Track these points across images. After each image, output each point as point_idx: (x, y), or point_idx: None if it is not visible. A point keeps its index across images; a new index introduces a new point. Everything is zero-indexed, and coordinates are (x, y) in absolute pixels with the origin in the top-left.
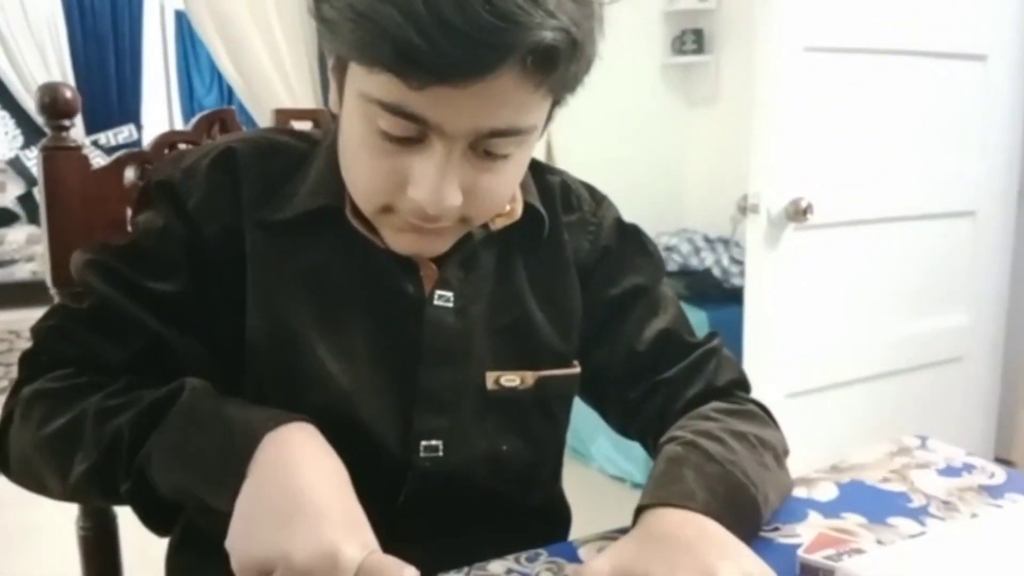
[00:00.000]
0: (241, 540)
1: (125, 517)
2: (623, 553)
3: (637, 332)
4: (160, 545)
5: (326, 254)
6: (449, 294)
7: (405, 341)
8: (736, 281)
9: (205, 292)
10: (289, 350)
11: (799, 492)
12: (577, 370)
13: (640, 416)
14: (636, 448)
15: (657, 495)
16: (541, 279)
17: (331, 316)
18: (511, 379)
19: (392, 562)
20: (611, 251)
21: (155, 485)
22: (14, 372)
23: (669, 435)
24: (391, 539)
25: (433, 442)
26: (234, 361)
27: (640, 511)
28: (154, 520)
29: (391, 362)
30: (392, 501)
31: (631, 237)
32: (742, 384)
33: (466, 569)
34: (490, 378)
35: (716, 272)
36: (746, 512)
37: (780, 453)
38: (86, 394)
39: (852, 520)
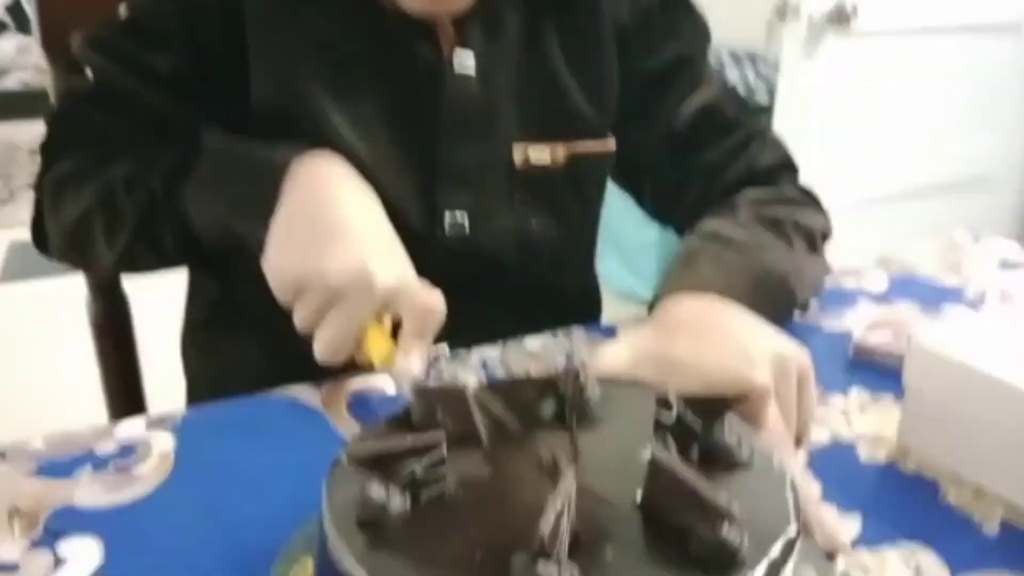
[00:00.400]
0: (277, 260)
1: (136, 297)
2: (642, 339)
3: (675, 108)
4: (172, 329)
5: (334, 15)
6: (470, 60)
7: (425, 112)
8: (760, 98)
9: (207, 60)
10: (299, 119)
11: (848, 281)
12: (612, 145)
13: (678, 203)
14: (644, 265)
15: (671, 286)
16: (574, 45)
17: (343, 82)
18: (541, 155)
19: (425, 288)
20: (652, 14)
21: (198, 233)
22: (13, 183)
23: (691, 230)
24: None
25: (458, 219)
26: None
27: (654, 305)
28: (208, 266)
29: (411, 134)
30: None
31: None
32: (787, 166)
33: (501, 343)
34: (518, 153)
35: (741, 90)
36: (773, 296)
37: (817, 236)
38: (105, 169)
39: (905, 308)
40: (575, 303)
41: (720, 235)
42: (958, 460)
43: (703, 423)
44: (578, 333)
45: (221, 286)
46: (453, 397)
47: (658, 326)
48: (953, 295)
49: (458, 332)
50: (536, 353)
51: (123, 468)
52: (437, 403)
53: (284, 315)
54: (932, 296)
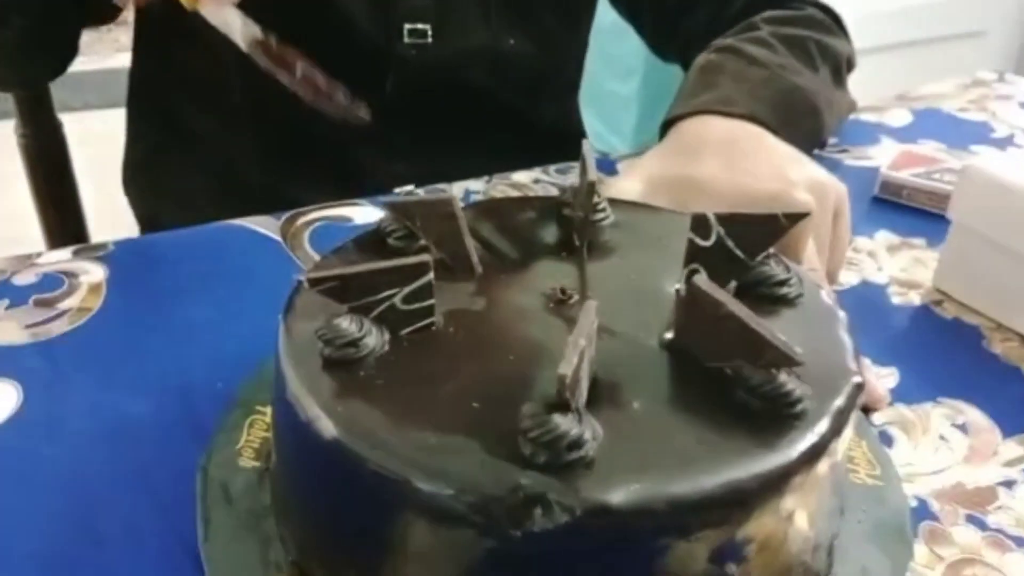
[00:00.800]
0: None
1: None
2: (659, 163)
3: None
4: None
5: None
6: None
7: None
8: None
9: None
10: None
11: (868, 117)
12: None
13: (682, 29)
14: (623, 123)
15: (688, 105)
16: None
17: None
18: None
19: None
20: None
21: None
22: None
23: (705, 51)
24: (382, 153)
25: (419, 26)
26: None
27: (667, 128)
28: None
29: None
30: (376, 99)
31: None
32: None
33: (487, 177)
34: None
35: None
36: (802, 120)
37: (843, 65)
38: None
39: (930, 146)
40: (556, 141)
41: (742, 50)
42: (1003, 307)
43: (745, 251)
44: (574, 170)
45: (168, 117)
46: (438, 212)
47: (677, 148)
48: (980, 134)
49: (428, 167)
50: (526, 187)
51: (45, 302)
52: (418, 220)
53: (236, 144)
54: (958, 134)
